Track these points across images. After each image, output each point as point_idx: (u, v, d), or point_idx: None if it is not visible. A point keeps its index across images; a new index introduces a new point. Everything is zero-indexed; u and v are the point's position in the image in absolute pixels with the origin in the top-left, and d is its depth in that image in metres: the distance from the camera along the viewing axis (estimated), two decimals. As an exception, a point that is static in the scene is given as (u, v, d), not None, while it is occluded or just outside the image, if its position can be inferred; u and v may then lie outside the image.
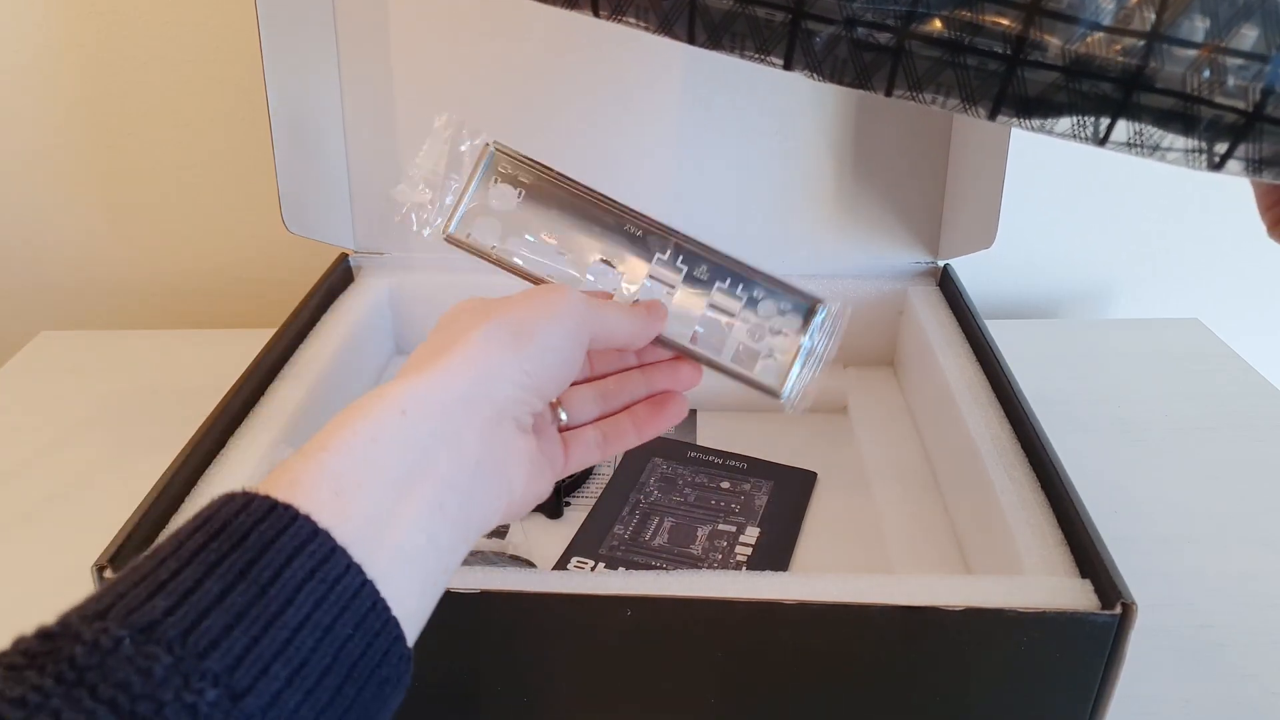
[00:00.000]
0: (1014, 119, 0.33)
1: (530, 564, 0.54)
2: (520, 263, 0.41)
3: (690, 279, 0.41)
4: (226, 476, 0.49)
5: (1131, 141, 0.32)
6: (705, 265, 0.41)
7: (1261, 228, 0.38)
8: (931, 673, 0.40)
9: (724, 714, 0.42)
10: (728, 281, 0.41)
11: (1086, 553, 0.41)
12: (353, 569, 0.27)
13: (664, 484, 0.61)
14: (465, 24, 0.67)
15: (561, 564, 0.54)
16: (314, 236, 0.69)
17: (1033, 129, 0.33)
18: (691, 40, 0.36)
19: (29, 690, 0.21)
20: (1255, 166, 0.31)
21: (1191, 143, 0.31)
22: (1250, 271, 0.88)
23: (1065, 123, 0.33)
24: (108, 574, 0.40)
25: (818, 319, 0.42)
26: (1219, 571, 0.55)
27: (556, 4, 0.38)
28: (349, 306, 0.68)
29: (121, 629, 0.23)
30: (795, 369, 0.41)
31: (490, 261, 0.41)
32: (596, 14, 0.38)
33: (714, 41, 0.36)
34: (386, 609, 0.27)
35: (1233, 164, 0.31)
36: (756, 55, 0.35)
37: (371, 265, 0.73)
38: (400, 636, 0.27)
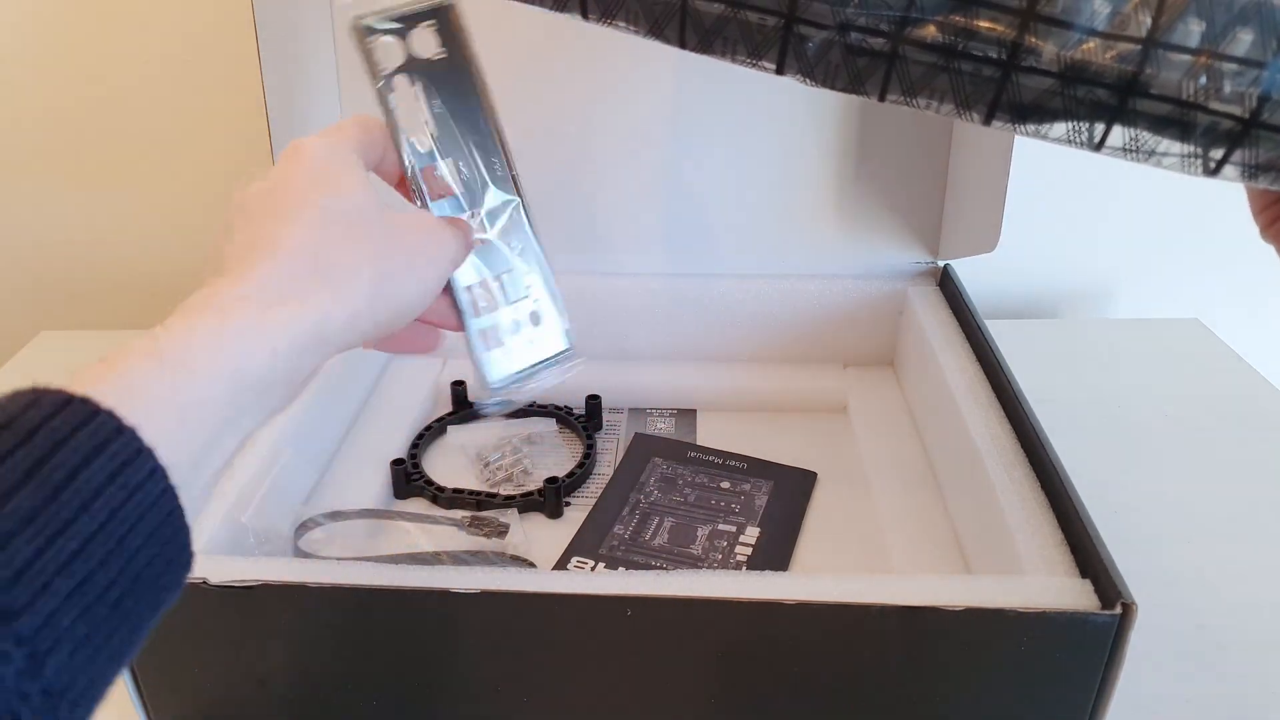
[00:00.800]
0: (1009, 124, 0.33)
1: (530, 564, 0.54)
2: (393, 113, 0.39)
3: (504, 243, 0.42)
4: (227, 477, 0.49)
5: (1127, 147, 0.32)
6: (521, 244, 0.42)
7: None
8: (931, 672, 0.40)
9: (724, 714, 0.42)
10: (528, 266, 0.42)
11: (1086, 553, 0.41)
12: (156, 473, 0.24)
13: (664, 484, 0.61)
14: (466, 19, 0.67)
15: (561, 564, 0.54)
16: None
17: (1028, 134, 0.33)
18: (682, 45, 0.36)
19: None
20: (1251, 172, 0.31)
21: (1188, 148, 0.31)
22: (1250, 271, 0.88)
23: (1060, 128, 0.33)
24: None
25: (561, 353, 0.43)
26: (1219, 571, 0.55)
27: (545, 6, 0.38)
28: (349, 306, 0.68)
29: None
30: (515, 374, 0.42)
31: (370, 80, 0.39)
32: (585, 17, 0.37)
33: (705, 46, 0.35)
34: (182, 517, 0.25)
35: (1229, 170, 0.31)
36: (749, 60, 0.35)
37: (371, 265, 0.73)
38: (188, 544, 0.26)
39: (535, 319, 0.42)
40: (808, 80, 0.35)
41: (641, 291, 0.72)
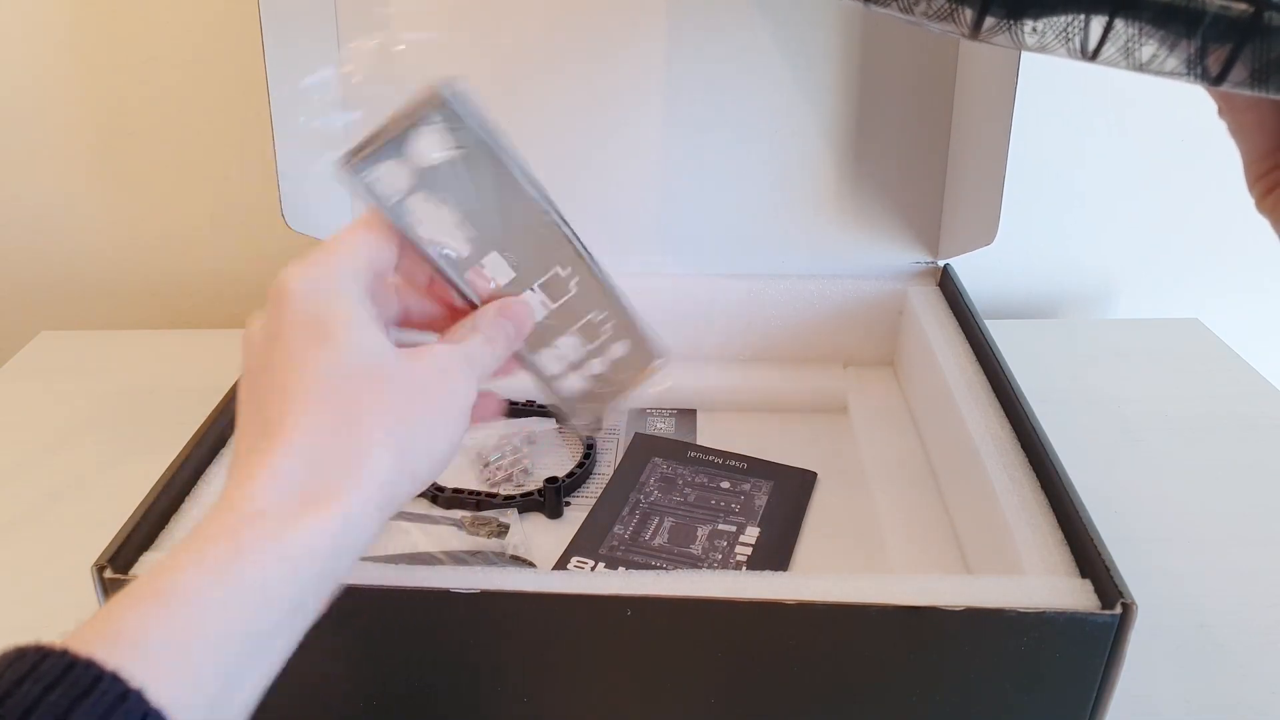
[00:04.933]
0: (1002, 23, 0.29)
1: (530, 564, 0.54)
2: (417, 231, 0.35)
3: (570, 300, 0.39)
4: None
5: (1127, 48, 0.29)
6: (587, 288, 0.39)
7: (1260, 227, 0.38)
8: (931, 673, 0.40)
9: (724, 714, 0.42)
10: (599, 308, 0.39)
11: (1086, 553, 0.41)
12: None
13: (664, 484, 0.61)
14: (464, 19, 0.67)
15: (561, 564, 0.54)
16: (315, 234, 0.69)
17: (1020, 44, 0.30)
18: None
19: None
20: (1261, 75, 0.28)
21: (1191, 47, 0.28)
22: (1250, 271, 0.88)
23: (1056, 26, 0.29)
24: (108, 574, 0.40)
25: (654, 372, 0.40)
26: (1219, 571, 0.55)
27: None
28: (349, 306, 0.68)
29: None
30: (612, 409, 0.40)
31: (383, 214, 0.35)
32: None
33: None
34: None
35: (1236, 72, 0.28)
36: None
37: (371, 265, 0.73)
38: None
39: (622, 348, 0.40)
40: None
41: (640, 292, 0.71)
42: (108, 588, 0.40)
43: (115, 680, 0.22)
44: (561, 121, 0.69)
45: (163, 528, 0.45)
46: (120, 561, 0.41)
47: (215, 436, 0.51)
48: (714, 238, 0.72)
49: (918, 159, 0.70)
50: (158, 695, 0.22)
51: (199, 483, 0.49)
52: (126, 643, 0.23)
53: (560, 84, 0.68)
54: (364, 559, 0.45)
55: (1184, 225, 0.86)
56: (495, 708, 0.43)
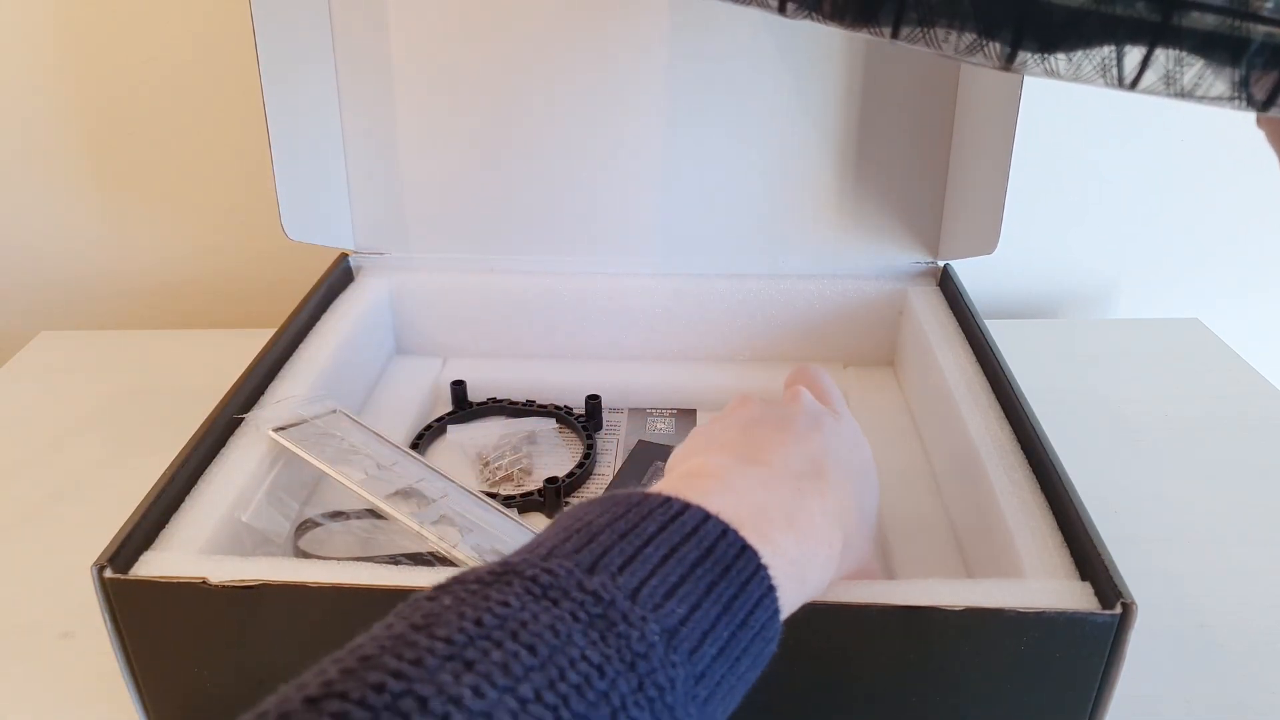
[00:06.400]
0: (1035, 57, 0.29)
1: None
2: (341, 479, 0.49)
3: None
4: (227, 476, 0.49)
5: (1169, 77, 0.28)
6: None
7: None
8: (931, 673, 0.40)
9: (724, 714, 0.42)
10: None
11: (1086, 553, 0.41)
12: (778, 634, 0.30)
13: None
14: (463, 20, 0.67)
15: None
16: (314, 241, 0.69)
17: (1054, 74, 0.29)
18: None
19: (604, 660, 0.24)
20: None
21: (1236, 74, 0.27)
22: (1250, 271, 0.88)
23: (1093, 59, 0.28)
24: (108, 574, 0.40)
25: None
26: (1219, 571, 0.55)
27: None
28: (349, 306, 0.68)
29: (655, 624, 0.26)
30: None
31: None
32: None
33: None
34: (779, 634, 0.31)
35: None
36: None
37: (371, 265, 0.73)
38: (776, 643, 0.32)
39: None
40: (814, 16, 0.31)
41: (641, 291, 0.72)
42: (108, 588, 0.40)
43: (768, 573, 0.30)
44: (561, 121, 0.69)
45: (163, 528, 0.45)
46: (120, 561, 0.41)
47: (215, 436, 0.51)
48: (714, 238, 0.72)
49: (919, 160, 0.70)
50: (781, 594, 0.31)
51: (199, 483, 0.49)
52: (770, 555, 0.31)
53: (560, 84, 0.68)
54: (364, 559, 0.45)
55: (1184, 226, 0.86)
56: (495, 708, 0.43)
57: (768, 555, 0.31)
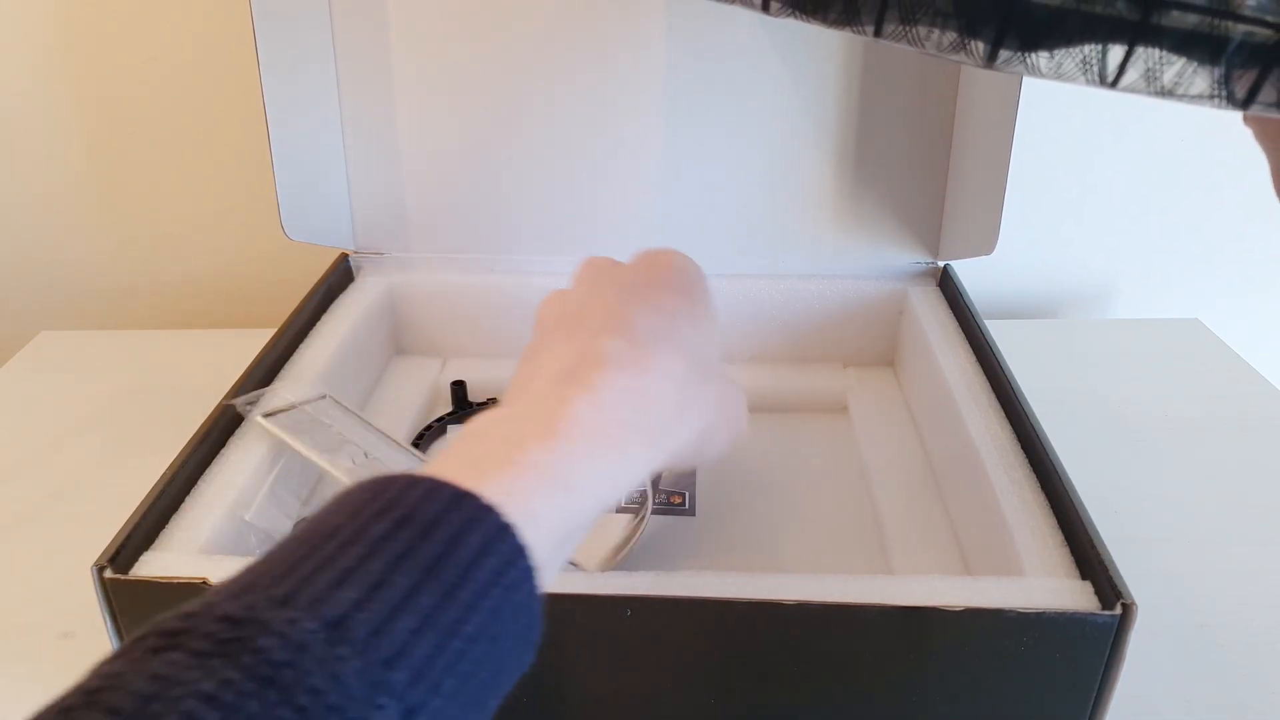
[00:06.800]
0: (1017, 55, 0.29)
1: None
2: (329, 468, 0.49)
3: None
4: (227, 476, 0.49)
5: (1149, 76, 0.28)
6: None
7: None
8: (931, 673, 0.40)
9: (724, 714, 0.42)
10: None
11: (1086, 553, 0.41)
12: (529, 575, 0.26)
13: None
14: (462, 21, 0.67)
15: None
16: (314, 241, 0.69)
17: (1036, 73, 0.29)
18: None
19: (220, 685, 0.20)
20: None
21: (1216, 73, 0.27)
22: (1250, 271, 0.88)
23: (1074, 57, 0.28)
24: (108, 574, 0.40)
25: None
26: (1219, 571, 0.55)
27: None
28: (349, 306, 0.68)
29: (312, 621, 0.22)
30: None
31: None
32: None
33: None
34: (540, 617, 0.26)
35: (1265, 94, 0.27)
36: None
37: (371, 265, 0.73)
38: (537, 641, 0.27)
39: None
40: (796, 14, 0.31)
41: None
42: (108, 588, 0.40)
43: (498, 515, 0.26)
44: (561, 121, 0.69)
45: (163, 528, 0.45)
46: (120, 561, 0.41)
47: (215, 436, 0.51)
48: (714, 238, 0.72)
49: (919, 160, 0.70)
50: (526, 541, 0.26)
51: (199, 482, 0.49)
52: (510, 492, 0.27)
53: (560, 84, 0.68)
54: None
55: (1184, 226, 0.86)
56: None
57: (501, 489, 0.27)
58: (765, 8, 0.32)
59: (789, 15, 0.32)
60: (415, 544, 0.24)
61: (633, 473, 0.32)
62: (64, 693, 0.21)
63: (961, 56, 0.30)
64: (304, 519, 0.53)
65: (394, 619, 0.23)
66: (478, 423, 0.31)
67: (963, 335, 0.62)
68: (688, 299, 0.37)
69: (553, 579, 0.29)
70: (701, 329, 0.37)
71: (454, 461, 0.28)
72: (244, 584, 0.23)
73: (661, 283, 0.38)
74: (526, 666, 0.27)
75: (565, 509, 0.29)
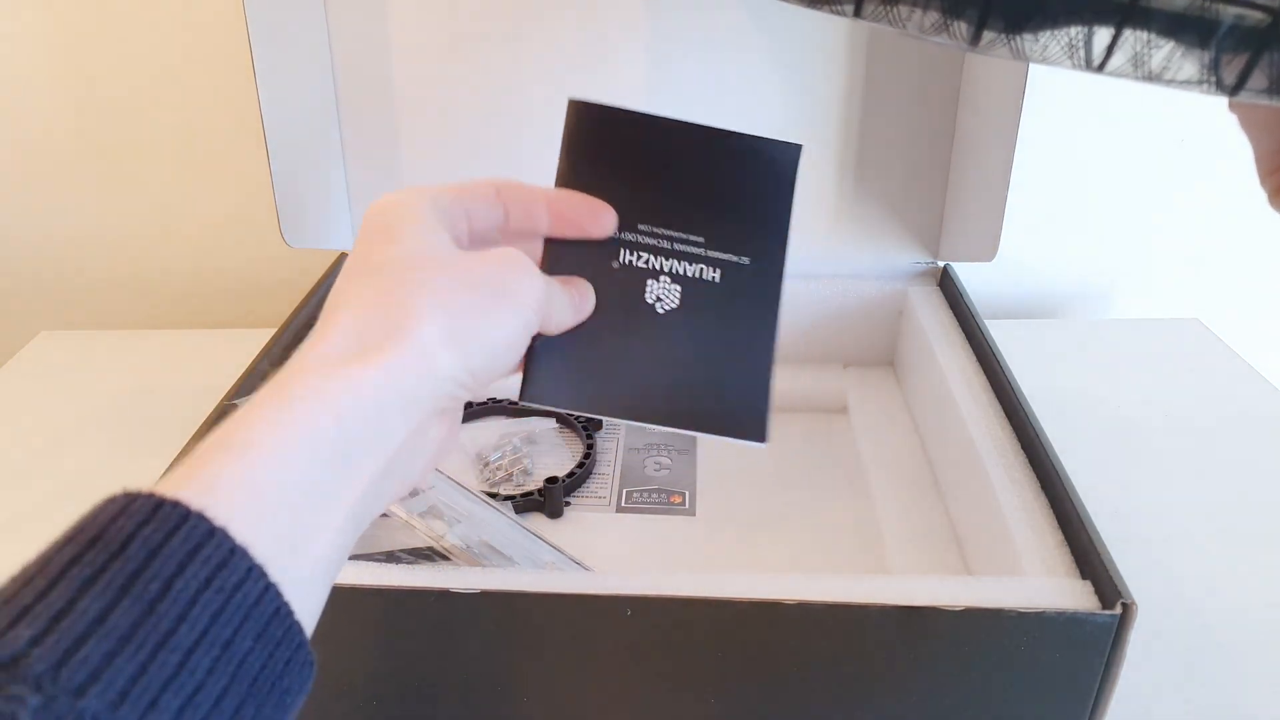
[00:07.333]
0: (1001, 36, 0.28)
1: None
2: None
3: None
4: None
5: (1137, 60, 0.27)
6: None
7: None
8: (931, 673, 0.40)
9: (724, 714, 0.42)
10: None
11: (1086, 553, 0.41)
12: (253, 572, 0.24)
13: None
14: (461, 20, 0.67)
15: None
16: (314, 246, 0.69)
17: (1020, 55, 0.28)
18: None
19: None
20: (1278, 85, 0.26)
21: (1205, 57, 0.26)
22: (1250, 271, 0.88)
23: (1060, 39, 0.28)
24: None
25: None
26: (1219, 571, 0.55)
27: None
28: (349, 306, 0.68)
29: (18, 681, 0.20)
30: None
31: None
32: None
33: None
34: (289, 614, 0.25)
35: (1254, 81, 0.26)
36: None
37: (371, 265, 0.73)
38: (304, 643, 0.25)
39: None
40: None
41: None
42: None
43: (201, 519, 0.24)
44: (561, 122, 0.69)
45: (163, 528, 0.45)
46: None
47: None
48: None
49: (919, 160, 0.70)
50: (237, 534, 0.24)
51: (199, 483, 0.49)
52: (204, 487, 0.25)
53: (559, 85, 0.68)
54: (364, 558, 0.45)
55: (1184, 225, 0.86)
56: (495, 707, 0.43)
57: (202, 491, 0.24)
58: None
59: None
60: (104, 565, 0.22)
61: (334, 403, 0.28)
62: None
63: (944, 38, 0.29)
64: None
65: (81, 646, 0.21)
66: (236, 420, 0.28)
67: (963, 335, 0.62)
68: (381, 236, 0.33)
69: (322, 550, 0.27)
70: (392, 259, 0.32)
71: (179, 474, 0.26)
72: None
73: (363, 236, 0.34)
74: (304, 667, 0.25)
75: (260, 472, 0.26)
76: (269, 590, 0.24)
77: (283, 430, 0.27)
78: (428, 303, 0.31)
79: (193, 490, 0.24)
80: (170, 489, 0.24)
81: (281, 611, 0.24)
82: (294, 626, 0.25)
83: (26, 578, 0.22)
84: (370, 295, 0.31)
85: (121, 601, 0.22)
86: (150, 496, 0.24)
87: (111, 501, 0.24)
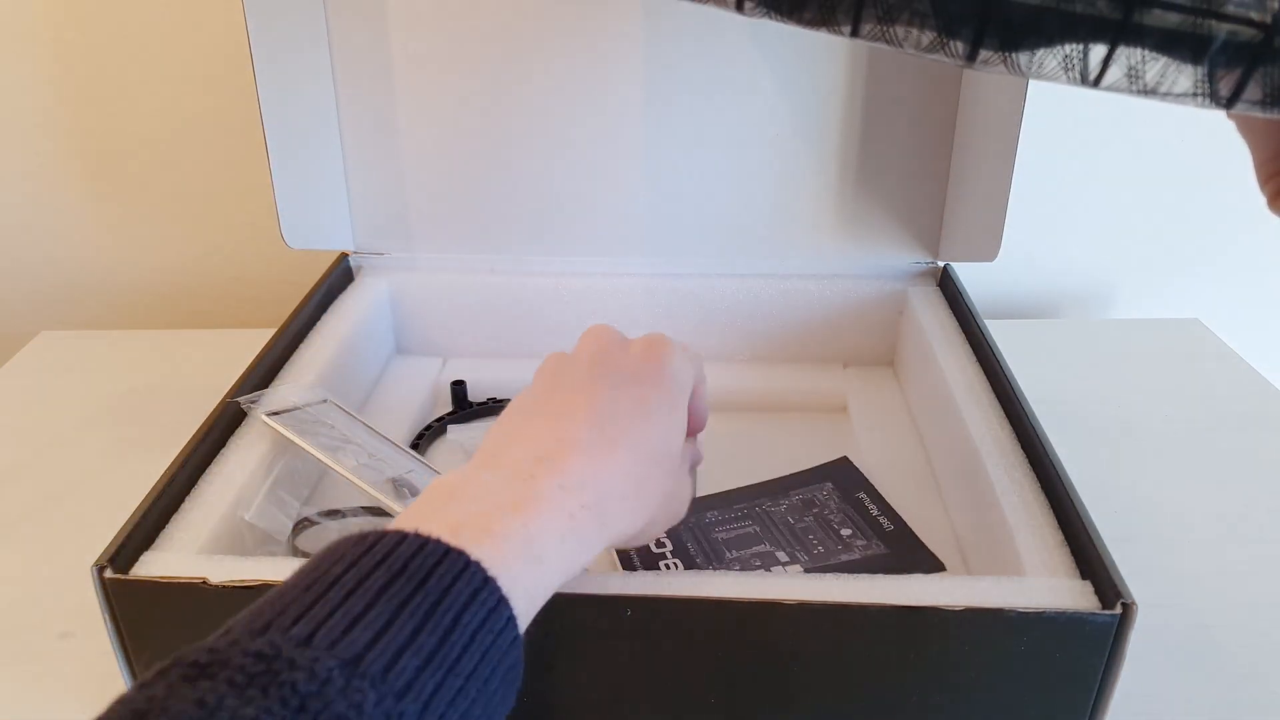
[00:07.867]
0: (997, 55, 0.28)
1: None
2: (336, 466, 0.50)
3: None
4: (227, 476, 0.49)
5: (1131, 75, 0.28)
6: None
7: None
8: (931, 673, 0.40)
9: (724, 714, 0.42)
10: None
11: (1086, 553, 0.41)
12: (511, 623, 0.29)
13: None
14: (460, 21, 0.67)
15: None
16: (314, 247, 0.69)
17: (1016, 72, 0.29)
18: None
19: (259, 711, 0.23)
20: (1275, 98, 0.26)
21: (1199, 72, 0.27)
22: (1250, 271, 0.88)
23: (1055, 56, 0.28)
24: (108, 574, 0.40)
25: None
26: (1219, 571, 0.55)
27: None
28: (349, 306, 0.68)
29: (331, 659, 0.25)
30: None
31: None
32: None
33: None
34: (522, 660, 0.30)
35: (1249, 94, 0.26)
36: None
37: (371, 265, 0.73)
38: (519, 685, 0.30)
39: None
40: (771, 13, 0.31)
41: (641, 291, 0.72)
42: (107, 588, 0.40)
43: (479, 568, 0.29)
44: (561, 123, 0.69)
45: (163, 528, 0.45)
46: (120, 561, 0.41)
47: (215, 436, 0.51)
48: (714, 238, 0.72)
49: (920, 160, 0.70)
50: (504, 586, 0.29)
51: (199, 482, 0.49)
52: (493, 554, 0.30)
53: (560, 86, 0.68)
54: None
55: (1184, 225, 0.86)
56: (495, 708, 0.43)
57: (484, 550, 0.30)
58: (739, 8, 0.31)
59: (763, 15, 0.31)
60: (413, 593, 0.27)
61: (587, 552, 0.35)
62: (105, 712, 0.23)
63: (941, 56, 0.29)
64: (303, 519, 0.53)
65: (401, 657, 0.26)
66: (450, 482, 0.34)
67: (963, 335, 0.62)
68: (667, 396, 0.40)
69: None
70: (671, 426, 0.40)
71: (435, 519, 0.31)
72: (262, 624, 0.26)
73: (647, 377, 0.40)
74: (510, 708, 0.30)
75: (535, 576, 0.32)
76: (517, 641, 0.30)
77: (564, 564, 0.33)
78: (656, 501, 0.39)
79: (482, 551, 0.30)
80: (457, 540, 0.30)
81: (520, 661, 0.30)
82: (520, 669, 0.30)
83: (345, 588, 0.27)
84: (641, 467, 0.38)
85: (426, 626, 0.27)
86: (439, 542, 0.29)
87: (406, 539, 0.29)
